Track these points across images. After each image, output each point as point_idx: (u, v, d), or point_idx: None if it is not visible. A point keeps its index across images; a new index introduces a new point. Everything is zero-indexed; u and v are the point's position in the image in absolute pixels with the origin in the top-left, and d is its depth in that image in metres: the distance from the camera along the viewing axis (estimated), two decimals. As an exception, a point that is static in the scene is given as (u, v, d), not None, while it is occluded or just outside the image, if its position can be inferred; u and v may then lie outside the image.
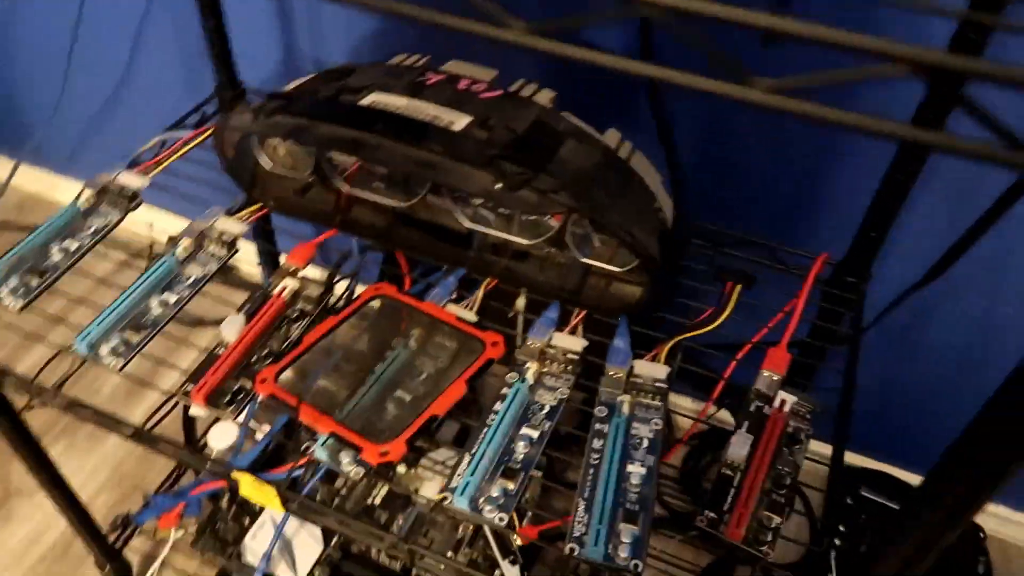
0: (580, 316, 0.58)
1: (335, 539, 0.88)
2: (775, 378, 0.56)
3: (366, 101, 0.52)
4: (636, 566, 0.45)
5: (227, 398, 0.53)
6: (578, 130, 0.55)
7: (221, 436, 0.94)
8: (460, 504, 0.47)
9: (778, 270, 0.66)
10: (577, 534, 0.46)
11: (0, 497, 1.01)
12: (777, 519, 0.48)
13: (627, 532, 0.47)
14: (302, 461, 0.52)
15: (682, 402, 0.94)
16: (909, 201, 0.60)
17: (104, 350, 0.54)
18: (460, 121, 0.51)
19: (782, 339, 0.59)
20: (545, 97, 0.58)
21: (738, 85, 0.21)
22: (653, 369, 0.55)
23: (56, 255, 0.61)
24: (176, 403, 0.53)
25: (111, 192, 0.65)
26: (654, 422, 0.53)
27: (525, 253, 0.61)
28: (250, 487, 0.50)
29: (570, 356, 0.55)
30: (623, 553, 0.46)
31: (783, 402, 0.54)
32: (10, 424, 0.60)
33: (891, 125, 0.21)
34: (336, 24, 0.85)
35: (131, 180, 0.66)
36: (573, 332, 0.58)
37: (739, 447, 0.51)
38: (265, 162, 0.64)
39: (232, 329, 0.56)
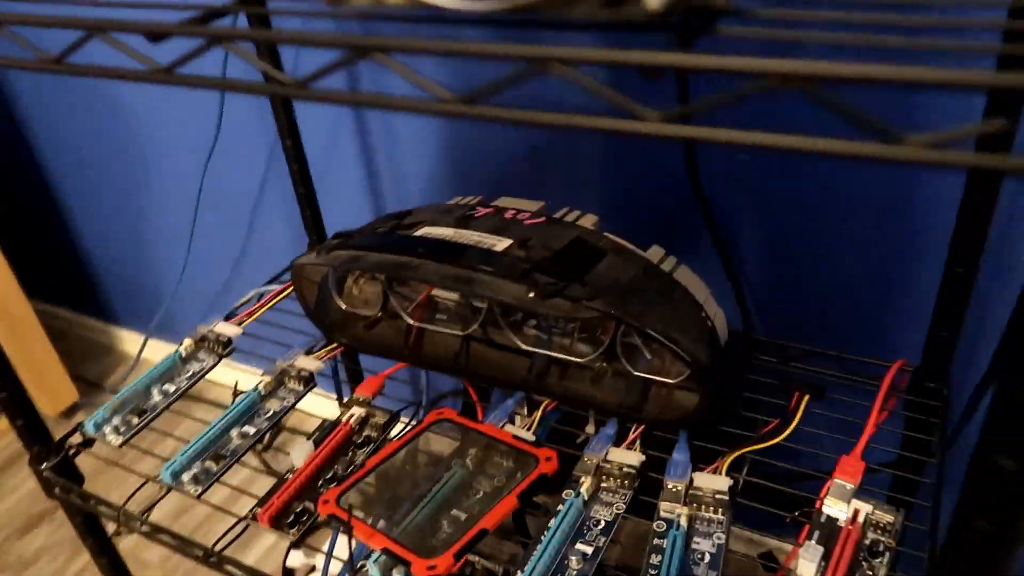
0: (638, 431, 0.58)
1: None
2: (848, 487, 0.52)
3: (417, 233, 0.56)
4: None
5: (290, 519, 0.55)
6: (619, 246, 0.58)
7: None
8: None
9: (850, 381, 0.64)
10: (633, 654, 0.44)
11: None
12: (856, 639, 0.44)
13: (685, 651, 0.43)
14: (360, 583, 0.52)
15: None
16: (980, 295, 0.57)
17: (186, 478, 0.58)
18: (501, 244, 0.54)
19: (855, 447, 0.55)
20: (589, 221, 0.61)
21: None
22: (713, 481, 0.53)
23: (156, 397, 0.67)
24: (247, 526, 0.56)
25: (208, 340, 0.72)
26: (716, 536, 0.50)
27: (582, 371, 0.62)
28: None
29: (627, 471, 0.54)
30: (680, 673, 0.42)
31: (856, 511, 0.50)
32: (100, 548, 0.64)
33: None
34: (417, 180, 0.93)
35: (226, 329, 0.73)
36: (631, 447, 0.57)
37: (809, 560, 0.47)
38: (340, 303, 0.69)
39: (300, 455, 0.59)
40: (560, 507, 0.53)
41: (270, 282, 0.83)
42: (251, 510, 0.56)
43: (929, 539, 0.51)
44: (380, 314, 0.67)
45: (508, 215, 0.60)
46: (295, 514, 0.55)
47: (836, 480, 0.53)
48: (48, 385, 1.39)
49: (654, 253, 0.60)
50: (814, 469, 0.58)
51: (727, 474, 0.54)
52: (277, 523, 0.54)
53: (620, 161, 0.77)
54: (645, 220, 0.76)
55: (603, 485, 0.54)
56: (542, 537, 0.51)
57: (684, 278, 0.58)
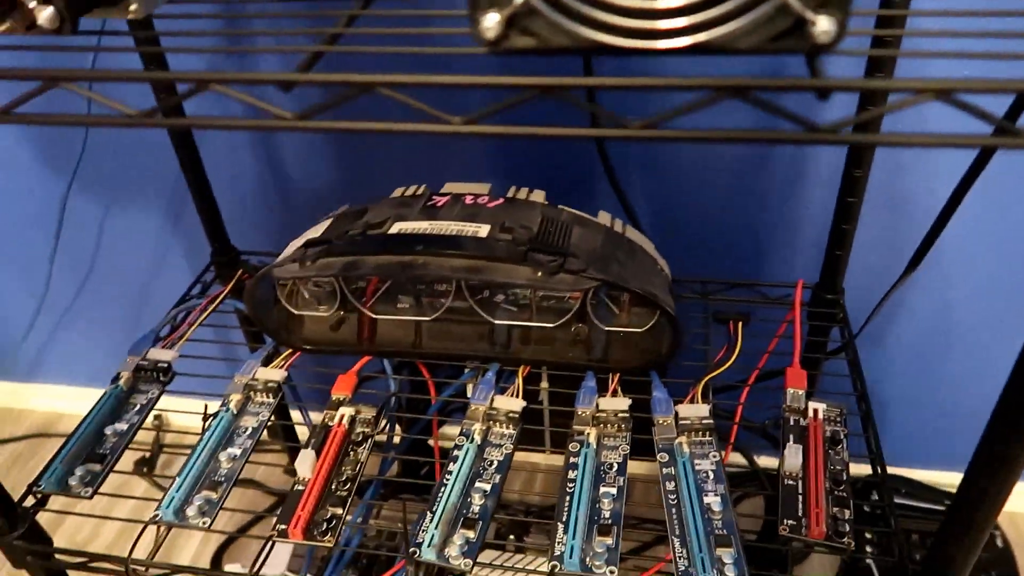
0: (616, 379, 0.64)
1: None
2: (800, 393, 0.62)
3: (394, 230, 0.58)
4: (745, 583, 0.50)
5: (322, 527, 0.55)
6: (578, 217, 0.63)
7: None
8: (572, 567, 0.51)
9: (766, 303, 0.74)
10: (682, 568, 0.51)
11: None
12: (847, 512, 0.54)
13: (727, 555, 0.51)
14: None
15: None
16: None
17: (191, 512, 0.56)
18: (483, 229, 0.57)
19: (793, 360, 0.66)
20: (539, 196, 0.65)
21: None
22: (696, 410, 0.61)
23: (111, 439, 0.63)
24: (274, 544, 0.55)
25: (145, 369, 0.68)
26: (712, 455, 0.58)
27: (550, 336, 0.66)
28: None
29: (621, 415, 0.61)
30: (731, 574, 0.50)
31: (816, 411, 0.60)
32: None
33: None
34: (313, 170, 0.92)
35: (161, 355, 0.69)
36: (615, 395, 0.63)
37: (794, 457, 0.56)
38: (289, 307, 0.68)
39: (306, 464, 0.59)
40: (574, 459, 0.58)
41: (180, 303, 0.78)
42: (274, 527, 0.55)
43: (865, 422, 0.63)
44: (341, 313, 0.67)
45: (468, 201, 0.63)
46: (325, 522, 0.56)
47: (789, 389, 0.63)
48: None
49: (604, 218, 0.65)
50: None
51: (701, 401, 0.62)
52: (310, 535, 0.55)
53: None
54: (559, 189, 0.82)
55: (604, 431, 0.60)
56: (569, 488, 0.56)
57: (634, 236, 0.65)
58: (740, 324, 0.70)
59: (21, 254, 1.10)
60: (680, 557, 0.51)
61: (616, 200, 0.78)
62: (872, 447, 0.60)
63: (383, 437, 0.66)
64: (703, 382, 0.64)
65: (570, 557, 0.51)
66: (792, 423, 0.60)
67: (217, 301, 0.76)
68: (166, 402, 0.68)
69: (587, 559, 0.51)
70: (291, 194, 0.94)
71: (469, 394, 0.76)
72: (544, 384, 0.69)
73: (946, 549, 0.46)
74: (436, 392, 0.71)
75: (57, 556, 0.57)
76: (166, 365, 0.69)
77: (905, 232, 0.81)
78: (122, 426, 0.64)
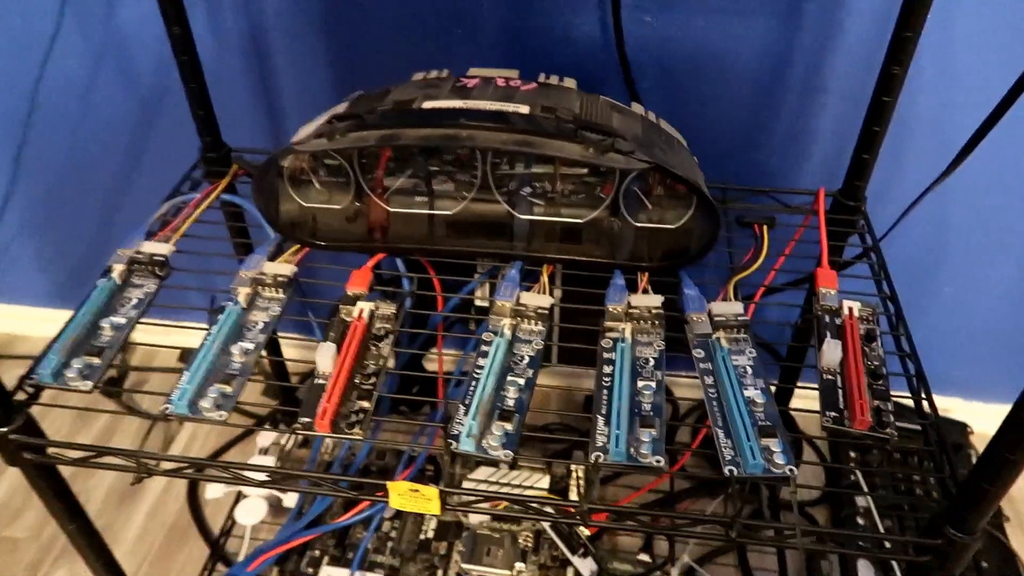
0: (646, 278, 0.62)
1: (402, 581, 0.86)
2: (832, 292, 0.61)
3: (428, 106, 0.54)
4: (791, 471, 0.49)
5: (351, 419, 0.52)
6: (614, 104, 0.60)
7: (248, 512, 0.91)
8: (619, 457, 0.49)
9: (786, 210, 0.73)
10: (729, 457, 0.49)
11: None
12: (889, 404, 0.53)
13: (774, 443, 0.50)
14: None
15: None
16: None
17: (206, 404, 0.53)
18: (522, 108, 0.54)
19: (821, 261, 0.65)
20: (571, 83, 0.62)
21: None
22: (730, 307, 0.59)
23: (108, 332, 0.58)
24: (298, 437, 0.52)
25: (140, 262, 0.63)
26: (748, 351, 0.57)
27: (576, 232, 0.64)
28: (404, 496, 0.50)
29: (655, 312, 0.59)
30: (780, 461, 0.49)
31: (850, 309, 0.59)
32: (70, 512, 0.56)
33: None
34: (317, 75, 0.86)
35: (156, 248, 0.65)
36: (646, 292, 0.61)
37: (832, 352, 0.55)
38: (297, 199, 0.64)
39: (327, 357, 0.55)
40: (609, 354, 0.56)
41: (170, 197, 0.73)
42: (297, 420, 0.52)
43: (896, 322, 0.62)
44: (357, 204, 0.63)
45: (500, 83, 0.59)
46: (353, 414, 0.53)
47: (821, 288, 0.62)
48: None
49: (637, 108, 0.62)
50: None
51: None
52: (337, 427, 0.52)
53: (533, 24, 0.78)
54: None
55: (639, 328, 0.58)
56: (607, 383, 0.54)
57: (668, 129, 0.62)
58: (765, 227, 0.68)
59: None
60: (725, 447, 0.50)
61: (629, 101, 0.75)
62: (903, 346, 0.60)
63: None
64: (734, 280, 0.62)
65: (616, 446, 0.49)
66: (827, 321, 0.59)
67: (214, 193, 0.70)
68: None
69: (632, 449, 0.50)
70: (281, 92, 0.88)
71: (479, 301, 0.74)
72: (557, 291, 0.67)
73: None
74: (443, 300, 0.68)
75: (54, 451, 0.53)
76: (163, 258, 0.64)
77: (923, 143, 0.81)
78: (119, 320, 0.60)
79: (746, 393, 0.53)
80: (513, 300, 0.60)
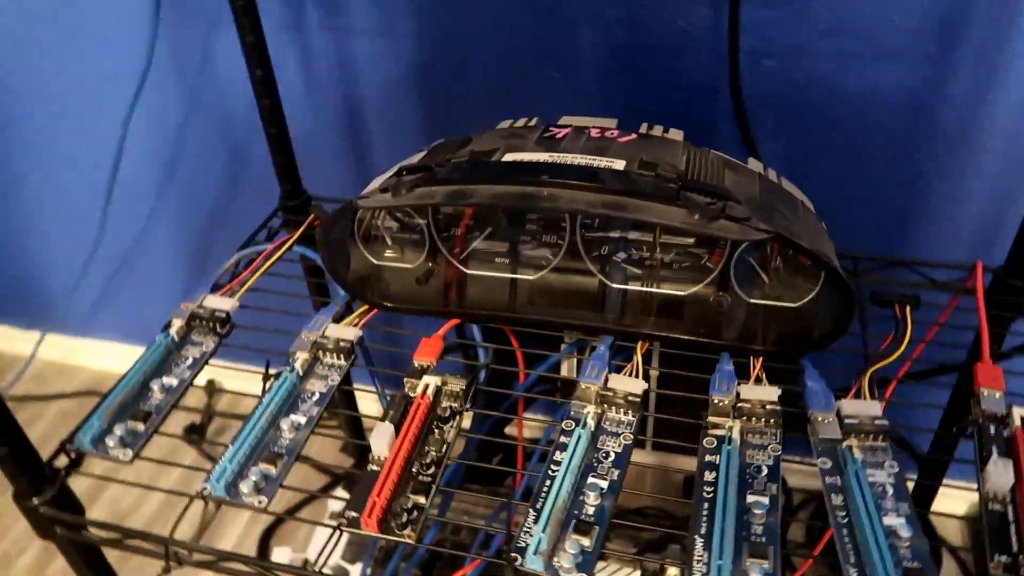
0: (759, 364, 0.52)
1: None
2: (997, 395, 0.50)
3: (507, 159, 0.47)
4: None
5: (403, 519, 0.45)
6: (727, 160, 0.51)
7: None
8: (721, 595, 0.39)
9: (934, 286, 0.62)
10: (863, 605, 0.39)
11: None
12: (1079, 550, 0.41)
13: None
14: None
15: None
16: None
17: (245, 488, 0.47)
18: (617, 163, 0.46)
19: (983, 353, 0.53)
20: (677, 135, 0.54)
21: None
22: (866, 407, 0.49)
23: (158, 395, 0.54)
24: (342, 534, 0.45)
25: (201, 318, 0.59)
26: (888, 464, 0.46)
27: (677, 306, 0.55)
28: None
29: (769, 408, 0.49)
30: (932, 620, 0.38)
31: (1022, 418, 0.48)
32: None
33: None
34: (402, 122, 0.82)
35: (219, 303, 0.60)
36: (758, 383, 0.52)
37: (1002, 475, 0.44)
38: (369, 256, 0.58)
39: (383, 441, 0.48)
40: (711, 457, 0.47)
41: (244, 246, 0.69)
42: (342, 513, 0.45)
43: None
44: (429, 264, 0.57)
45: (595, 134, 0.51)
46: (405, 512, 0.45)
47: (983, 389, 0.50)
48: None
49: (755, 165, 0.53)
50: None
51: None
52: (386, 527, 0.45)
53: (636, 67, 0.70)
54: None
55: (749, 426, 0.49)
56: (707, 495, 0.45)
57: (791, 189, 0.53)
58: (908, 307, 0.57)
59: (74, 192, 1.03)
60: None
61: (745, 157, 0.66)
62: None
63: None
64: (868, 373, 0.52)
65: (718, 579, 0.40)
66: (991, 432, 0.48)
67: (286, 246, 0.66)
68: (220, 361, 0.58)
69: (737, 585, 0.40)
70: (371, 138, 0.84)
71: (565, 372, 0.66)
72: (654, 367, 0.58)
73: None
74: (525, 370, 0.61)
75: (90, 529, 0.48)
76: (224, 315, 0.59)
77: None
78: (171, 381, 0.55)
79: (886, 522, 0.43)
80: (600, 382, 0.51)
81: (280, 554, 0.89)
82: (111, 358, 1.25)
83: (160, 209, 1.01)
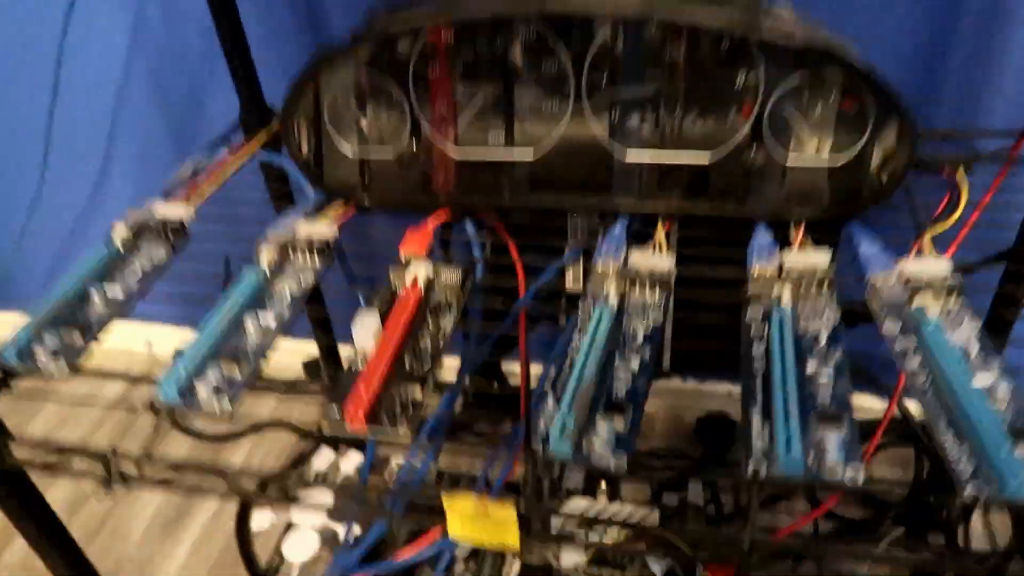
0: (801, 229, 0.45)
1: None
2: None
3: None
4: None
5: (395, 411, 0.37)
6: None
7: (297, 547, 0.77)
8: (794, 467, 0.32)
9: (984, 158, 0.55)
10: (967, 475, 0.32)
11: None
12: None
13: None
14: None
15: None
16: None
17: (202, 393, 0.39)
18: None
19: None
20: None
21: None
22: (933, 264, 0.41)
23: (99, 305, 0.46)
24: (320, 437, 0.37)
25: (151, 228, 0.51)
26: (970, 323, 0.39)
27: (700, 177, 0.48)
28: (468, 521, 0.34)
29: (821, 270, 0.42)
30: None
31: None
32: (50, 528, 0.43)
33: None
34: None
35: (173, 211, 0.52)
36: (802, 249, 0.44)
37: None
38: (345, 147, 0.51)
39: (367, 331, 0.41)
40: (758, 329, 0.39)
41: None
42: (331, 408, 0.37)
43: None
44: (413, 147, 0.49)
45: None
46: (399, 403, 0.38)
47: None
48: None
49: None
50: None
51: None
52: (376, 419, 0.37)
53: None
54: None
55: (799, 293, 0.42)
56: (758, 371, 0.37)
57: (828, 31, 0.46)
58: (962, 168, 0.50)
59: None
60: (959, 462, 0.32)
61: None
62: None
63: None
64: (929, 233, 0.45)
65: (787, 452, 0.32)
66: (1084, 283, 0.41)
67: (247, 149, 0.58)
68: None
69: (812, 458, 0.33)
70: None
71: (570, 284, 0.58)
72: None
73: None
74: (524, 278, 0.53)
75: (15, 452, 0.40)
76: (177, 223, 0.51)
77: None
78: (115, 292, 0.47)
79: (975, 384, 0.35)
80: (620, 261, 0.44)
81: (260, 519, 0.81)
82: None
83: (112, 149, 0.92)
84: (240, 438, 1.04)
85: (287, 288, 0.46)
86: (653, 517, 0.73)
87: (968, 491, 0.31)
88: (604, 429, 0.35)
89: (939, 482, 0.72)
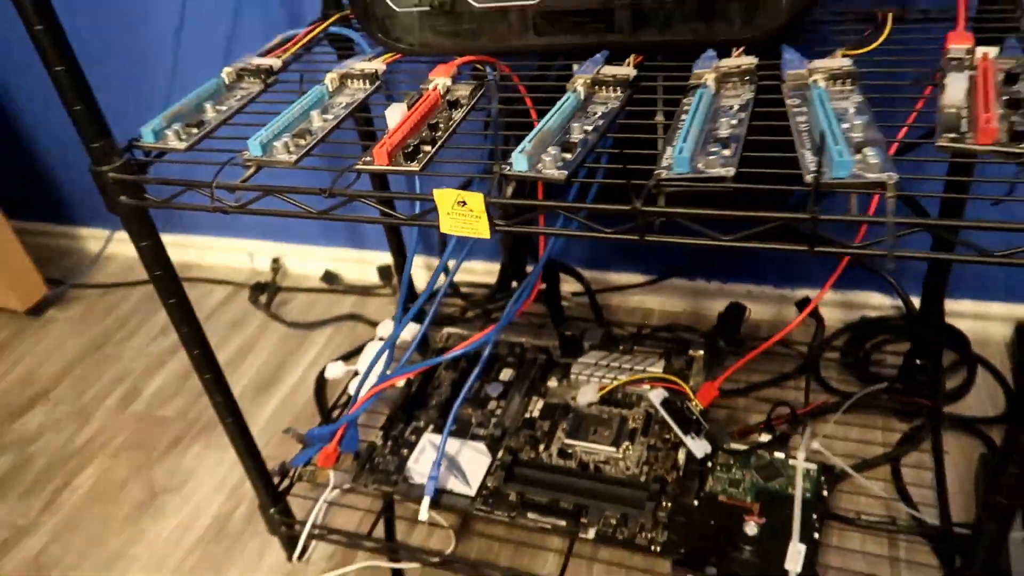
0: (740, 51, 0.57)
1: (502, 448, 0.83)
2: (961, 46, 0.52)
3: None
4: (890, 177, 0.41)
5: (409, 149, 0.51)
6: None
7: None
8: (680, 167, 0.44)
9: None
10: (812, 168, 0.43)
11: (148, 497, 0.98)
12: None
13: (872, 152, 0.43)
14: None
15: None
16: None
17: (278, 148, 0.54)
18: None
19: (956, 23, 0.56)
20: None
21: None
22: (835, 62, 0.52)
23: (210, 113, 0.62)
24: (358, 175, 0.52)
25: (250, 70, 0.67)
26: (854, 98, 0.50)
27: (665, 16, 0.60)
28: (454, 215, 0.48)
29: (744, 68, 0.54)
30: (874, 161, 0.42)
31: (984, 54, 0.51)
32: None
33: None
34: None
35: (267, 61, 0.68)
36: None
37: (956, 86, 0.47)
38: (391, 4, 0.65)
39: (395, 113, 0.55)
40: (687, 103, 0.52)
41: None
42: (361, 158, 0.52)
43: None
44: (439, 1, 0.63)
45: None
46: (414, 146, 0.52)
47: (951, 46, 0.53)
48: (17, 281, 1.30)
49: None
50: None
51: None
52: (395, 158, 0.51)
53: None
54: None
55: (726, 81, 0.53)
56: (680, 126, 0.49)
57: None
58: (890, 13, 0.60)
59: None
60: (808, 160, 0.44)
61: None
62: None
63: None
64: (840, 51, 0.55)
65: (679, 152, 0.44)
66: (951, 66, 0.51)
67: (325, 24, 0.74)
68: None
69: (697, 162, 0.45)
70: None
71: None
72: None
73: None
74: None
75: (147, 194, 0.57)
76: (269, 66, 0.67)
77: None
78: (222, 107, 0.63)
79: (839, 124, 0.46)
80: (593, 74, 0.57)
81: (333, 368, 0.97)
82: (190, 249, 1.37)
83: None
84: (325, 326, 1.22)
85: (344, 101, 0.61)
86: (657, 366, 0.86)
87: (810, 176, 0.42)
88: (552, 153, 0.48)
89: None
